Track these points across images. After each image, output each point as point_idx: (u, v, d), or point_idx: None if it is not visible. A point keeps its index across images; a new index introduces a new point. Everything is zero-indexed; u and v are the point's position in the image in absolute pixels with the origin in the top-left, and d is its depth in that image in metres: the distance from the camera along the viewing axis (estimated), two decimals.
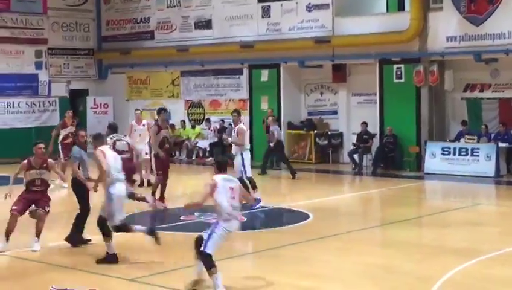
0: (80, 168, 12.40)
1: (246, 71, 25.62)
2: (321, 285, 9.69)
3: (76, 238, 12.25)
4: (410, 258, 11.30)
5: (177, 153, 26.40)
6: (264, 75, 25.30)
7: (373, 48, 22.55)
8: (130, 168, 15.36)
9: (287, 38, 24.19)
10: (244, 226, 14.12)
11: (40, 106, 27.79)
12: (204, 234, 9.44)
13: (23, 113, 27.28)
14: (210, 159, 25.17)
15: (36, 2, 27.76)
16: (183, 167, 24.59)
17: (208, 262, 9.19)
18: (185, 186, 20.34)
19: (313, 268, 10.64)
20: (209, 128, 26.07)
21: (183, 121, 26.75)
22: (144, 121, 20.02)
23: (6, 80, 26.93)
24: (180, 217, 14.65)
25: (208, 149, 25.72)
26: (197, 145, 26.04)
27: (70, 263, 11.03)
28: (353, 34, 22.76)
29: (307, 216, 14.84)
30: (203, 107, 26.75)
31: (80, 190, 12.34)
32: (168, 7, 27.44)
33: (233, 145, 16.41)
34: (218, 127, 25.68)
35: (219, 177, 9.60)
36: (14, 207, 12.04)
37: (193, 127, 26.52)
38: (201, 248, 9.26)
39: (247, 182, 15.68)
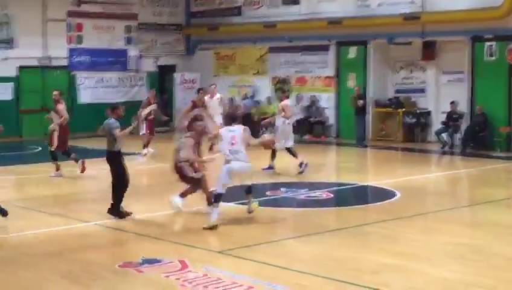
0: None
1: (333, 48, 25.46)
2: (407, 263, 9.61)
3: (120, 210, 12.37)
4: (500, 239, 11.09)
5: (263, 129, 26.46)
6: (352, 52, 25.10)
7: (464, 25, 22.04)
8: None
9: (375, 15, 23.90)
10: (330, 203, 14.21)
11: (129, 80, 28.33)
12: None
13: (113, 88, 27.86)
14: (295, 135, 25.19)
15: None
16: None
17: (215, 198, 11.71)
18: (269, 162, 20.38)
19: (399, 246, 10.56)
20: (297, 103, 26.00)
21: (269, 97, 26.81)
22: (218, 95, 20.93)
23: (97, 54, 27.53)
24: (267, 193, 14.72)
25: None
26: None
27: (159, 234, 11.24)
28: (444, 10, 22.31)
29: (393, 194, 14.70)
30: (290, 84, 26.74)
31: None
32: None
33: (277, 118, 17.88)
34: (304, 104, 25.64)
35: (223, 129, 12.14)
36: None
37: (270, 103, 26.48)
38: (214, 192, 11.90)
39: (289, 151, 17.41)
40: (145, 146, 20.65)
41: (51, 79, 26.09)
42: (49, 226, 12.11)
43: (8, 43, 22.76)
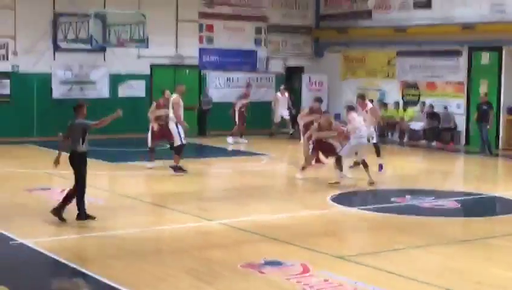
0: None
1: (465, 53, 24.82)
2: None
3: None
4: None
5: (389, 133, 26.20)
6: (485, 57, 24.40)
7: None
8: None
9: (511, 20, 23.12)
10: (456, 213, 13.86)
11: (257, 81, 28.64)
12: None
13: (241, 88, 28.20)
14: (423, 141, 24.77)
15: None
16: (394, 148, 24.35)
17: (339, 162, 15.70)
18: (395, 168, 20.14)
19: None
20: (422, 111, 25.60)
21: (397, 102, 26.43)
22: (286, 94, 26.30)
23: (227, 55, 27.96)
24: (392, 199, 14.53)
25: (421, 132, 25.24)
26: (410, 127, 25.62)
27: (282, 236, 11.27)
28: None
29: None
30: (419, 89, 26.28)
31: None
32: None
33: (368, 122, 17.99)
34: (430, 110, 25.13)
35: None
36: None
37: (405, 109, 26.12)
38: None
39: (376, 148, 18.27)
40: (233, 135, 23.63)
41: (182, 77, 26.72)
42: (175, 222, 12.40)
43: (143, 42, 23.45)
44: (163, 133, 17.71)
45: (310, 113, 19.60)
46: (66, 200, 12.07)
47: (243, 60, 28.40)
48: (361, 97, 18.79)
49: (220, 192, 15.84)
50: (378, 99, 27.07)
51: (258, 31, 28.75)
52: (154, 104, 18.37)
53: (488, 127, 22.49)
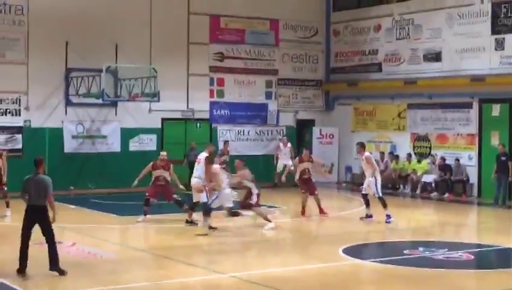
0: None
1: (475, 105, 24.84)
2: None
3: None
4: None
5: (401, 186, 26.10)
6: (495, 109, 24.40)
7: None
8: None
9: None
10: (470, 265, 13.68)
11: (268, 134, 28.70)
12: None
13: (252, 141, 28.29)
14: (435, 194, 24.62)
15: (269, 34, 28.79)
16: (407, 201, 24.21)
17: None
18: (408, 220, 20.02)
19: None
20: (433, 163, 25.54)
21: (409, 154, 26.38)
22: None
23: (238, 108, 28.09)
24: (404, 251, 14.38)
25: (433, 184, 25.13)
26: (422, 179, 25.52)
27: (294, 289, 11.13)
28: None
29: None
30: (430, 141, 26.24)
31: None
32: (397, 39, 27.33)
33: (365, 171, 18.79)
34: (442, 162, 25.05)
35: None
36: None
37: (419, 161, 26.06)
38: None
39: (380, 200, 18.30)
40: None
41: (193, 131, 26.84)
42: (186, 276, 12.30)
43: (154, 96, 23.62)
44: (161, 191, 18.07)
45: (300, 162, 19.78)
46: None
47: (254, 113, 28.51)
48: (361, 145, 19.15)
49: (230, 245, 15.73)
50: (389, 151, 27.06)
51: (269, 84, 28.91)
52: (151, 163, 18.54)
53: (510, 178, 22.37)
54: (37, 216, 12.01)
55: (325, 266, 13.15)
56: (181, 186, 18.24)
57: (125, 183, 20.44)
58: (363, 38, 28.66)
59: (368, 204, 18.53)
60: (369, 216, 18.47)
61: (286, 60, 29.25)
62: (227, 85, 27.97)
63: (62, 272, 11.87)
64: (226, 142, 26.26)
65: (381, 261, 12.79)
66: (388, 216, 18.12)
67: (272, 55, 28.90)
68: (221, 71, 27.84)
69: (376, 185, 18.42)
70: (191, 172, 17.68)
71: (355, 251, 14.31)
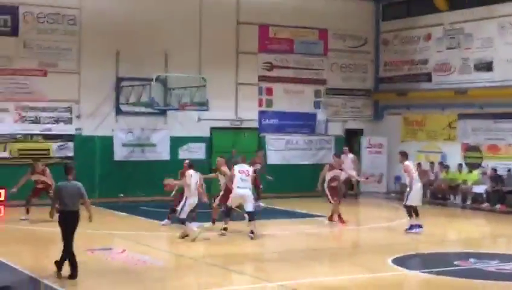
0: None
1: None
2: None
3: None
4: None
5: (451, 196, 25.79)
6: None
7: None
8: None
9: None
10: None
11: (316, 143, 28.63)
12: None
13: (300, 150, 28.24)
14: (486, 204, 24.27)
15: (318, 44, 28.76)
16: (457, 211, 23.91)
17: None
18: (459, 231, 19.77)
19: None
20: (484, 173, 25.19)
21: (460, 165, 26.06)
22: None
23: (287, 117, 28.10)
24: (455, 262, 14.19)
25: (484, 195, 24.78)
26: (473, 190, 25.18)
27: None
28: None
29: None
30: (481, 151, 25.89)
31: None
32: (447, 49, 27.08)
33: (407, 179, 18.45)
34: (493, 173, 24.69)
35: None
36: None
37: (470, 171, 25.73)
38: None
39: (405, 209, 18.22)
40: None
41: (241, 140, 26.91)
42: (234, 284, 12.32)
43: (203, 105, 23.77)
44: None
45: (330, 169, 19.62)
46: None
47: (302, 122, 28.47)
48: (402, 154, 18.98)
49: (278, 254, 15.71)
50: (439, 161, 26.77)
51: (317, 93, 28.86)
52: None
53: None
54: (70, 221, 12.30)
55: (374, 276, 13.05)
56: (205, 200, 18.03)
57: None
58: (412, 47, 28.45)
59: (411, 215, 18.29)
60: (415, 226, 18.20)
61: (335, 69, 29.18)
62: (275, 94, 28.01)
63: (73, 277, 12.05)
64: (259, 151, 25.54)
65: (431, 272, 12.63)
66: (412, 226, 17.92)
67: (321, 64, 28.86)
68: (270, 80, 27.90)
69: (409, 194, 18.15)
70: None
71: (404, 261, 14.17)
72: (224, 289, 12.09)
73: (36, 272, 12.46)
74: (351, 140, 29.51)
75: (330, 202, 19.43)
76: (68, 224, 12.28)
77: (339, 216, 19.37)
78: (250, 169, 17.53)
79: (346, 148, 26.73)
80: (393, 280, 12.89)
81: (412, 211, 18.03)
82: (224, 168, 18.08)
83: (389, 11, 29.75)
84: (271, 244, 17.11)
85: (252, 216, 16.90)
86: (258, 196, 22.97)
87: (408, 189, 18.27)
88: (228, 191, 17.45)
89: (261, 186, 23.18)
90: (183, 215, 16.45)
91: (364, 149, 28.90)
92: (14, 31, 23.64)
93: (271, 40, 27.93)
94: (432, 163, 26.82)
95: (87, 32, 24.49)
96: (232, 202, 17.32)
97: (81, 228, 16.90)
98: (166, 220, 18.42)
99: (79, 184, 12.52)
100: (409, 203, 18.09)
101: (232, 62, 27.10)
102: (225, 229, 17.07)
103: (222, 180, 18.08)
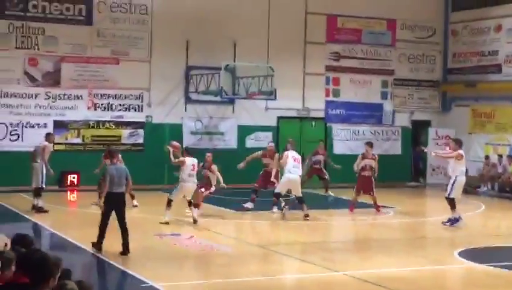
0: None
1: None
2: None
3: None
4: None
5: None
6: None
7: None
8: None
9: None
10: None
11: (383, 134, 28.60)
12: None
13: (367, 141, 28.20)
14: None
15: (386, 34, 28.66)
16: None
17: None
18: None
19: None
20: None
21: None
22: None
23: (353, 108, 28.12)
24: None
25: None
26: None
27: (403, 289, 11.17)
28: None
29: None
30: None
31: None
32: None
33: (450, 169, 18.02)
34: None
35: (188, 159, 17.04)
36: None
37: None
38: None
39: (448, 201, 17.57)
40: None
41: (308, 130, 27.06)
42: (300, 272, 12.52)
43: (271, 94, 24.00)
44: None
45: (363, 158, 20.02)
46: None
47: (369, 113, 28.46)
48: (456, 141, 18.43)
49: (345, 243, 15.87)
50: (508, 154, 26.43)
51: (385, 84, 28.79)
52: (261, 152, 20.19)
53: None
54: (117, 202, 12.98)
55: (441, 268, 13.11)
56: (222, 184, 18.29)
57: (241, 179, 20.87)
58: (482, 38, 28.11)
59: (454, 207, 17.67)
60: (453, 220, 17.63)
61: (403, 60, 29.04)
62: (342, 84, 28.05)
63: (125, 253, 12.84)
64: (320, 142, 25.09)
65: (499, 266, 12.61)
66: (450, 220, 17.59)
67: (389, 55, 28.76)
68: (337, 71, 27.95)
69: (453, 184, 17.62)
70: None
71: (471, 254, 14.11)
72: (288, 276, 12.31)
73: (106, 255, 12.89)
74: (417, 131, 29.37)
75: (365, 193, 19.68)
76: (118, 204, 12.94)
77: (375, 204, 19.58)
78: (299, 157, 18.48)
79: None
80: (460, 273, 12.94)
81: (454, 203, 17.66)
82: (214, 166, 18.38)
83: (459, 1, 29.41)
84: (337, 233, 17.29)
85: (302, 200, 17.77)
86: (325, 188, 23.24)
87: (452, 181, 17.62)
88: (268, 175, 19.08)
89: (326, 177, 23.38)
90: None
91: (431, 140, 28.70)
92: (88, 20, 24.26)
93: (339, 31, 27.95)
94: (500, 156, 26.51)
95: (158, 21, 24.96)
96: (281, 187, 18.11)
97: (151, 213, 17.38)
98: (249, 203, 19.12)
99: (125, 167, 13.51)
100: (452, 195, 17.60)
101: (300, 52, 27.24)
102: (307, 215, 17.68)
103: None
